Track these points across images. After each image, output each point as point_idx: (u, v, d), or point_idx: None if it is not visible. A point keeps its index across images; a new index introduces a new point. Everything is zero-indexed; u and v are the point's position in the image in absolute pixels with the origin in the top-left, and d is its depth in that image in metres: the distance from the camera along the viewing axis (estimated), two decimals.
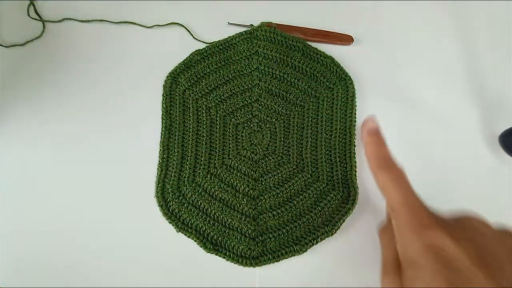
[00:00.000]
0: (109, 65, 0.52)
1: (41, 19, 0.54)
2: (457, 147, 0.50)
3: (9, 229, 0.45)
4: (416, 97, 0.52)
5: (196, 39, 0.53)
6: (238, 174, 0.47)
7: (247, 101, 0.50)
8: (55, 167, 0.48)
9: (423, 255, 0.26)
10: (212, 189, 0.47)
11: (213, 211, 0.46)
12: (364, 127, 0.35)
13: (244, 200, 0.46)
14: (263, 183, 0.47)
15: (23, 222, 0.46)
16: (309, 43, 0.52)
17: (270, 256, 0.43)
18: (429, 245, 0.26)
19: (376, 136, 0.34)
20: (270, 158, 0.48)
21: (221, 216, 0.45)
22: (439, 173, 0.49)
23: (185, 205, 0.46)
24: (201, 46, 0.53)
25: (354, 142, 0.49)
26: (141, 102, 0.51)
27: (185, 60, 0.51)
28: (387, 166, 0.32)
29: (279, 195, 0.46)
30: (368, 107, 0.51)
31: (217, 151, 0.49)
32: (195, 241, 0.44)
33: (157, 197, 0.46)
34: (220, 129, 0.49)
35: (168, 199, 0.46)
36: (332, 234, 0.44)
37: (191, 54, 0.52)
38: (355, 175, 0.47)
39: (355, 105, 0.50)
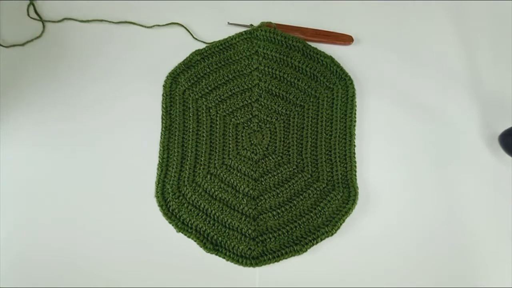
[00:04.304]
0: (109, 65, 0.52)
1: (41, 19, 0.54)
2: (457, 147, 0.50)
3: (9, 229, 0.45)
4: (416, 97, 0.52)
5: (196, 39, 0.53)
6: (238, 174, 0.47)
7: (247, 101, 0.50)
8: (55, 167, 0.48)
9: None
10: (212, 189, 0.47)
11: (213, 211, 0.46)
12: None
13: (244, 200, 0.46)
14: (263, 183, 0.47)
15: (23, 223, 0.46)
16: (309, 43, 0.52)
17: (270, 256, 0.43)
18: None
19: None
20: (270, 158, 0.48)
21: (221, 216, 0.45)
22: (439, 173, 0.49)
23: (185, 205, 0.46)
24: (201, 46, 0.53)
25: (354, 142, 0.49)
26: (141, 102, 0.51)
27: (185, 60, 0.51)
28: None
29: (279, 195, 0.46)
30: (368, 107, 0.51)
31: (217, 151, 0.49)
32: (195, 241, 0.44)
33: (157, 197, 0.46)
34: (220, 129, 0.49)
35: (168, 199, 0.46)
36: (332, 234, 0.44)
37: (191, 54, 0.52)
38: (355, 175, 0.47)
39: (355, 105, 0.50)
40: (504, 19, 0.56)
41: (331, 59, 0.51)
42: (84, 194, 0.47)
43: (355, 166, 0.48)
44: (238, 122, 0.50)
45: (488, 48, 0.54)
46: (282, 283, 0.44)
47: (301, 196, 0.46)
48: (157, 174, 0.48)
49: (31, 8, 0.54)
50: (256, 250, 0.43)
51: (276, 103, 0.50)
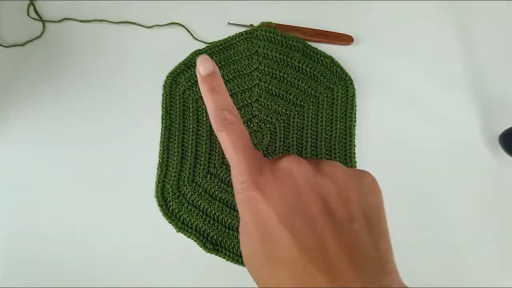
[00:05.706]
0: (109, 65, 0.52)
1: (41, 19, 0.54)
2: (457, 147, 0.50)
3: (9, 230, 0.45)
4: (416, 97, 0.52)
5: (196, 39, 0.53)
6: None
7: (247, 101, 0.50)
8: (55, 167, 0.48)
9: (242, 205, 0.28)
10: (212, 189, 0.47)
11: (213, 211, 0.46)
12: (199, 68, 0.28)
13: None
14: None
15: (23, 223, 0.46)
16: (309, 43, 0.52)
17: None
18: (245, 198, 0.27)
19: (214, 80, 0.28)
20: (270, 158, 0.48)
21: (221, 216, 0.45)
22: (439, 173, 0.49)
23: (185, 205, 0.46)
24: (201, 46, 0.53)
25: (354, 142, 0.49)
26: (141, 102, 0.51)
27: (185, 60, 0.51)
28: (228, 128, 0.28)
29: None
30: (368, 107, 0.51)
31: (217, 151, 0.49)
32: (195, 241, 0.44)
33: (157, 197, 0.46)
34: None
35: (168, 199, 0.46)
36: None
37: (191, 54, 0.52)
38: None
39: (355, 105, 0.50)
40: (504, 19, 0.56)
41: (331, 59, 0.51)
42: (84, 193, 0.47)
43: (355, 166, 0.48)
44: None
45: (488, 48, 0.54)
46: None
47: None
48: (157, 174, 0.48)
49: (31, 8, 0.54)
50: None
51: (276, 103, 0.50)
